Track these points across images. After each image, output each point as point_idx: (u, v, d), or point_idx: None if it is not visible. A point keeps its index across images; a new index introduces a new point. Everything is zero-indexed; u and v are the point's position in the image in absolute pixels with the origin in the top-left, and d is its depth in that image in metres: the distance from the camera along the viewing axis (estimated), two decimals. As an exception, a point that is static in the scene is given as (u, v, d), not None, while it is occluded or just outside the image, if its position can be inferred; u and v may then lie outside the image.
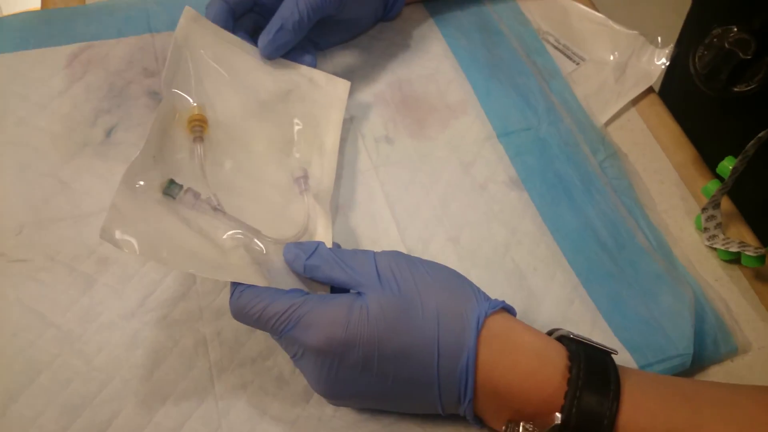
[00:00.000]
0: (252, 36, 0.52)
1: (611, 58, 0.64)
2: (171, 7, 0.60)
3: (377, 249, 0.42)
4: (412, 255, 0.41)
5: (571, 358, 0.37)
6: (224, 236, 0.41)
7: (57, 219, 0.48)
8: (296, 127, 0.50)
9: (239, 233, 0.42)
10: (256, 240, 0.42)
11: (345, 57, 0.60)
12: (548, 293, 0.48)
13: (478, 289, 0.40)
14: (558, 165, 0.55)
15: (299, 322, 0.36)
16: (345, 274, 0.39)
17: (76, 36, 0.57)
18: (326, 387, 0.38)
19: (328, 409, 0.42)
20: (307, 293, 0.39)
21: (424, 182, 0.53)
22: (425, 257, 0.48)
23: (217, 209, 0.42)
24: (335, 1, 0.51)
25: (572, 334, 0.39)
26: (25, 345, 0.42)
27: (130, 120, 0.53)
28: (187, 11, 0.48)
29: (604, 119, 0.59)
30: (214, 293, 0.46)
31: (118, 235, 0.36)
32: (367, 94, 0.57)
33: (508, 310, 0.40)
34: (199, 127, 0.45)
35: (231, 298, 0.38)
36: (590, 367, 0.36)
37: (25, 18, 0.57)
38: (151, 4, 0.60)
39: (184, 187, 0.42)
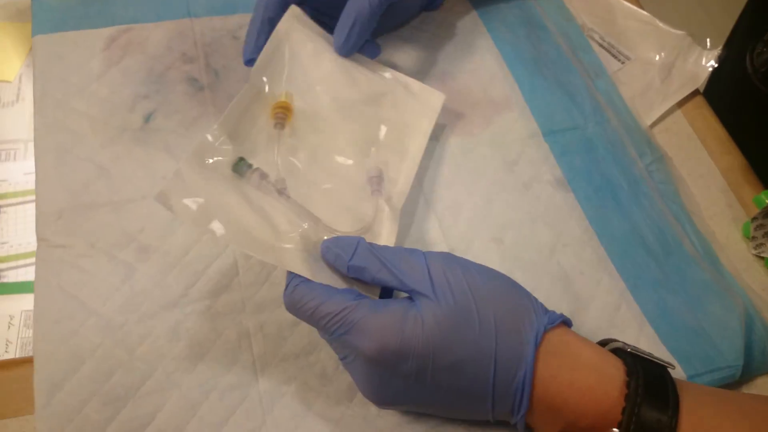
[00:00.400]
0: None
1: (657, 58, 0.63)
2: (210, -10, 0.59)
3: (420, 247, 0.40)
4: (457, 255, 0.40)
5: (628, 372, 0.36)
6: (283, 220, 0.41)
7: (96, 205, 0.47)
8: (382, 131, 0.49)
9: (298, 220, 0.41)
10: (314, 230, 0.41)
11: (387, 48, 0.58)
12: (594, 298, 0.47)
13: (536, 300, 0.38)
14: (604, 167, 0.53)
15: (352, 327, 0.35)
16: (395, 278, 0.37)
17: (115, 18, 0.56)
18: (375, 393, 0.37)
19: (373, 408, 0.41)
20: (360, 295, 0.38)
21: (466, 180, 0.52)
22: (468, 257, 0.47)
23: (281, 193, 0.42)
24: None
25: (627, 346, 0.38)
26: (67, 333, 0.41)
27: (168, 106, 0.52)
28: (293, 9, 0.50)
29: (649, 121, 0.58)
30: (256, 285, 0.45)
31: (174, 200, 0.37)
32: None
33: (566, 322, 0.39)
34: (282, 114, 0.45)
35: (285, 290, 0.38)
36: (648, 382, 0.35)
37: (65, -1, 0.56)
38: (190, -13, 0.59)
39: (254, 167, 0.42)
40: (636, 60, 0.63)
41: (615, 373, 0.36)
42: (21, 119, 0.81)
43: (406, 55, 0.58)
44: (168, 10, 0.57)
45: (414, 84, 0.52)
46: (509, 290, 0.38)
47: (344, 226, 0.42)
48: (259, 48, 0.47)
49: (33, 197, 0.72)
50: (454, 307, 0.36)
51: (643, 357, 0.37)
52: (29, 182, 0.81)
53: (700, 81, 0.62)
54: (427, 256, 0.38)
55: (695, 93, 0.61)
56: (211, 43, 0.56)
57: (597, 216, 0.51)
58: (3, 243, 0.86)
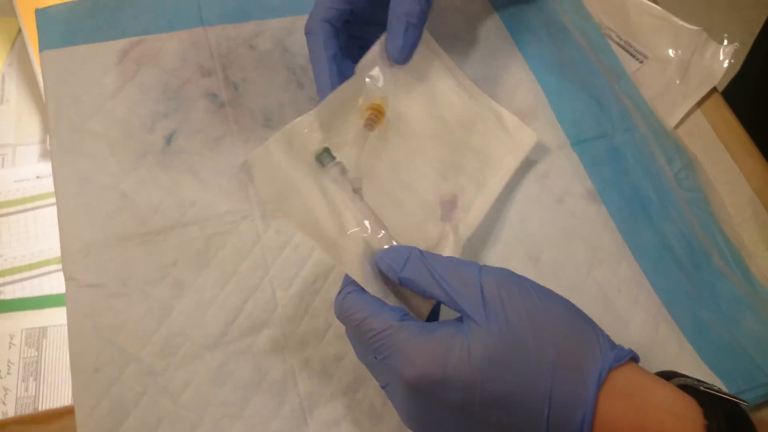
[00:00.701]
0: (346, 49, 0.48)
1: (673, 55, 0.62)
2: (222, -5, 0.56)
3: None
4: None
5: (706, 414, 0.33)
6: (351, 220, 0.40)
7: (124, 238, 0.45)
8: (466, 158, 0.48)
9: (365, 223, 0.40)
10: (377, 237, 0.40)
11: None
12: (634, 316, 0.47)
13: (602, 332, 0.35)
14: (634, 177, 0.53)
15: (393, 349, 0.34)
16: (444, 294, 0.35)
17: (125, 30, 0.53)
18: (418, 424, 0.36)
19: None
20: (407, 315, 0.36)
21: (499, 196, 0.50)
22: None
23: (356, 192, 0.41)
24: None
25: (699, 383, 0.36)
26: (108, 382, 0.40)
27: (189, 125, 0.50)
28: (426, 35, 0.49)
29: (672, 122, 0.58)
30: (297, 319, 0.44)
31: (257, 172, 0.39)
32: (434, 95, 0.55)
33: (634, 359, 0.36)
34: (374, 115, 0.44)
35: (338, 294, 0.37)
36: (730, 426, 0.32)
37: (70, 9, 0.53)
38: (200, -7, 0.56)
39: (336, 159, 0.42)
40: (653, 58, 0.62)
41: (692, 415, 0.33)
42: (6, 122, 0.77)
43: (428, 61, 0.56)
44: (180, 19, 0.54)
45: (509, 118, 0.51)
46: (572, 318, 0.35)
47: (407, 242, 0.41)
48: (334, 88, 0.44)
49: (26, 206, 0.69)
50: (506, 333, 0.33)
51: (719, 396, 0.34)
52: (20, 190, 0.77)
53: (718, 78, 0.61)
54: (482, 270, 0.35)
55: (712, 91, 0.60)
56: (228, 53, 0.53)
57: (629, 229, 0.51)
58: (-2, 257, 0.83)
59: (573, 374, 0.33)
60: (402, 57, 0.45)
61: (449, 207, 0.45)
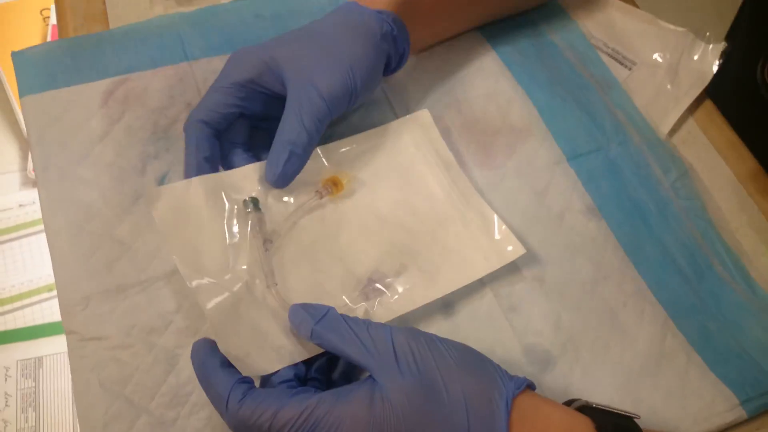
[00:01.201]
0: (250, 141, 0.48)
1: (661, 59, 0.62)
2: (205, 29, 0.55)
3: (459, 299, 0.41)
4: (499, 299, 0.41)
5: (598, 428, 0.36)
6: (244, 267, 0.41)
7: (124, 287, 0.44)
8: (429, 250, 0.46)
9: (258, 273, 0.42)
10: (262, 287, 0.42)
11: (398, 77, 0.56)
12: (641, 330, 0.47)
13: (499, 367, 0.38)
14: (631, 190, 0.53)
15: (318, 425, 0.34)
16: (358, 350, 0.36)
17: (108, 69, 0.52)
18: None
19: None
20: (316, 390, 0.36)
21: (498, 216, 0.50)
22: (512, 300, 0.47)
23: (266, 248, 0.42)
24: (345, 101, 0.44)
25: (591, 403, 0.39)
26: (118, 438, 0.39)
27: (181, 166, 0.48)
28: (425, 115, 0.52)
29: (666, 129, 0.58)
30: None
31: (165, 201, 0.41)
32: (426, 118, 0.54)
33: (530, 386, 0.38)
34: (328, 187, 0.45)
35: (227, 409, 0.34)
36: (616, 422, 0.37)
37: (48, 50, 0.52)
38: (183, 27, 0.54)
39: (260, 212, 0.43)
40: (642, 64, 0.62)
41: (586, 430, 0.36)
42: None
43: (416, 82, 0.56)
44: (164, 55, 0.53)
45: (499, 225, 0.48)
46: (474, 359, 0.38)
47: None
48: None
49: (10, 235, 0.68)
50: (420, 380, 0.35)
51: (610, 411, 0.38)
52: (4, 220, 0.76)
53: (708, 79, 0.61)
54: (391, 329, 0.37)
55: (702, 97, 0.61)
56: (216, 89, 0.52)
57: (631, 244, 0.51)
58: (-14, 288, 0.81)
59: (484, 407, 0.35)
60: (279, 185, 0.44)
61: (373, 286, 0.44)
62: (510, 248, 0.47)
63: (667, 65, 0.62)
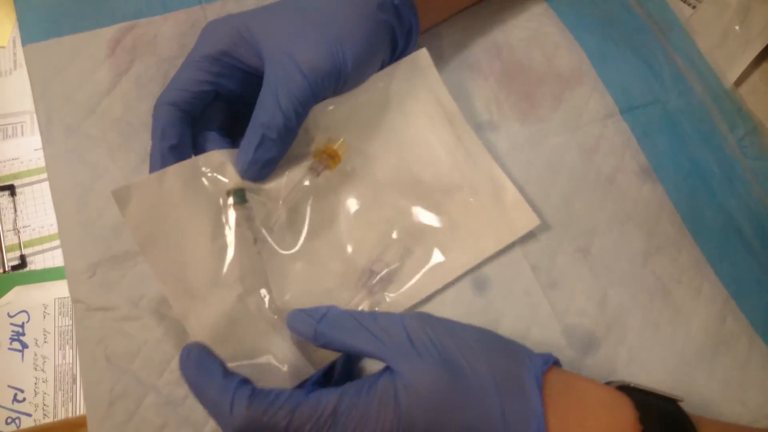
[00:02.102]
0: (230, 126, 0.42)
1: (733, -5, 0.54)
2: (220, -34, 0.50)
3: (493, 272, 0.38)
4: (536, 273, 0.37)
5: (638, 406, 0.33)
6: (235, 273, 0.36)
7: (132, 255, 0.41)
8: (433, 227, 0.42)
9: (247, 278, 0.37)
10: (256, 297, 0.37)
11: (432, 19, 0.50)
12: (696, 310, 0.42)
13: (521, 344, 0.35)
14: (692, 148, 0.47)
15: (341, 424, 0.30)
16: (370, 342, 0.32)
17: (115, 14, 0.47)
18: None
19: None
20: (335, 388, 0.32)
21: (540, 177, 0.45)
22: (552, 273, 0.42)
23: (258, 250, 0.38)
24: (332, 80, 0.38)
25: (631, 383, 0.35)
26: (125, 416, 0.37)
27: (194, 120, 0.45)
28: (422, 56, 0.44)
29: (733, 77, 0.51)
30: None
31: (136, 202, 0.35)
32: (462, 66, 0.49)
33: (556, 362, 0.35)
34: (323, 161, 0.39)
35: (232, 410, 0.30)
36: (664, 418, 0.33)
37: (52, -6, 0.48)
38: (196, -35, 0.50)
39: (247, 205, 0.37)
40: (708, 1, 0.54)
41: (626, 409, 0.33)
42: (22, 88, 0.74)
43: (450, 25, 0.50)
44: (175, -2, 0.48)
45: (510, 192, 0.42)
46: (494, 338, 0.34)
47: (310, 306, 0.36)
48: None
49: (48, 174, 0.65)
50: (441, 363, 0.31)
51: (651, 392, 0.35)
52: (41, 158, 0.75)
53: (786, 19, 0.54)
54: (402, 316, 0.33)
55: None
56: (231, 34, 0.48)
57: (689, 210, 0.45)
58: (25, 227, 0.81)
59: (515, 386, 0.32)
60: (250, 174, 0.37)
61: (376, 278, 0.39)
62: (523, 218, 0.42)
63: (737, 3, 0.54)
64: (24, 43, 0.46)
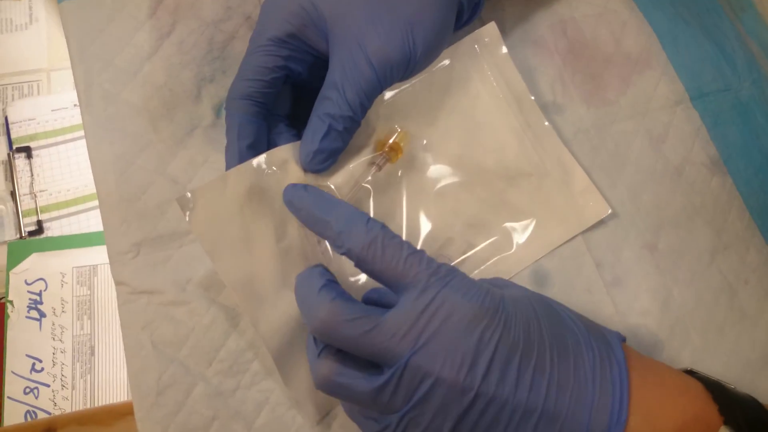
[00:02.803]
0: (295, 111, 0.39)
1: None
2: None
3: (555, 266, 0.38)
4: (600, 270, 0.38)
5: (716, 398, 0.31)
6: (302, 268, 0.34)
7: (178, 234, 0.39)
8: (498, 217, 0.40)
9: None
10: None
11: (493, -11, 0.47)
12: (762, 314, 0.41)
13: None
14: (764, 140, 0.45)
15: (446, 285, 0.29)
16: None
17: (157, -30, 0.44)
18: (469, 365, 0.29)
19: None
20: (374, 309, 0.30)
21: (607, 166, 0.43)
22: (617, 270, 0.41)
23: (322, 251, 0.36)
24: (401, 70, 0.35)
25: (695, 370, 0.35)
26: (173, 407, 0.36)
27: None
28: (491, 32, 0.41)
29: (810, 68, 0.48)
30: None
31: (200, 208, 0.33)
32: (525, 41, 0.46)
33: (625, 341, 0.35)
34: (386, 154, 0.37)
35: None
36: (744, 410, 0.31)
37: (89, -54, 0.44)
38: None
39: None
40: (785, -20, 0.51)
41: (704, 397, 0.32)
42: (38, 44, 0.70)
43: (513, -3, 0.47)
44: (220, -46, 0.45)
45: (580, 179, 0.40)
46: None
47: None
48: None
49: (65, 137, 0.64)
50: (539, 297, 0.33)
51: (718, 381, 0.33)
52: (58, 120, 0.72)
53: None
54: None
55: None
56: (281, -1, 0.44)
57: (759, 206, 0.43)
58: (41, 191, 0.77)
59: (599, 335, 0.32)
60: (313, 165, 0.35)
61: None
62: (594, 207, 0.40)
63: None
64: (60, -1, 0.43)
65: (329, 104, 0.34)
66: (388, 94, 0.40)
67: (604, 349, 0.31)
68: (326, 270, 0.32)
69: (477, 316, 0.29)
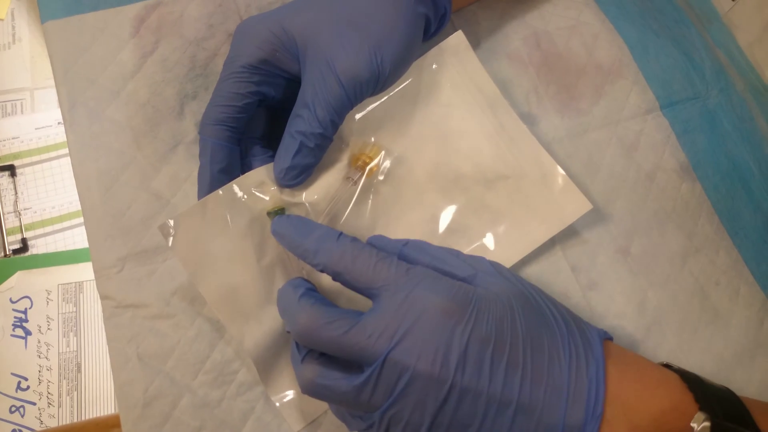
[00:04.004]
0: (270, 131, 0.40)
1: (772, -12, 0.53)
2: (248, -59, 0.47)
3: (533, 272, 0.39)
4: (577, 274, 0.39)
5: (692, 388, 0.33)
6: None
7: (162, 249, 0.39)
8: (478, 220, 0.41)
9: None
10: None
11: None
12: (734, 312, 0.42)
13: None
14: (731, 146, 0.46)
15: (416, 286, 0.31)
16: (458, 266, 0.34)
17: (139, -10, 0.45)
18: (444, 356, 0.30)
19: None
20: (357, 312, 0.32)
21: (580, 174, 0.44)
22: (592, 274, 0.42)
23: (302, 267, 0.37)
24: (369, 87, 0.36)
25: (674, 365, 0.36)
26: (160, 418, 0.36)
27: (223, 106, 0.43)
28: (458, 40, 0.42)
29: (774, 76, 0.50)
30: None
31: (181, 234, 0.35)
32: (499, 54, 0.47)
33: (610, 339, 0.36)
34: (359, 169, 0.38)
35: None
36: (719, 399, 0.33)
37: (72, -32, 0.45)
38: (223, -61, 0.47)
39: None
40: (749, -7, 0.53)
41: (681, 387, 0.33)
42: (22, 63, 0.71)
43: (489, 12, 0.48)
44: (201, -26, 0.46)
45: (558, 176, 0.41)
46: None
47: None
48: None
49: (49, 155, 0.64)
50: (522, 289, 0.34)
51: (699, 376, 0.35)
52: (42, 138, 0.73)
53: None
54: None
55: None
56: (261, 16, 0.45)
57: (726, 210, 0.45)
58: (26, 209, 0.77)
59: (580, 332, 0.33)
60: (286, 181, 0.36)
61: None
62: (574, 203, 0.41)
63: (780, -6, 0.53)
64: (44, 19, 0.44)
65: (300, 122, 0.35)
66: (361, 109, 0.41)
67: (582, 345, 0.32)
68: (305, 281, 0.33)
69: (448, 311, 0.30)
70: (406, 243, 0.35)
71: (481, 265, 0.35)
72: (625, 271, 0.42)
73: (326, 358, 0.31)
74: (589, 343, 0.33)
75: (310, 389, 0.31)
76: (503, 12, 0.48)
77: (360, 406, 0.30)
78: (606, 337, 0.34)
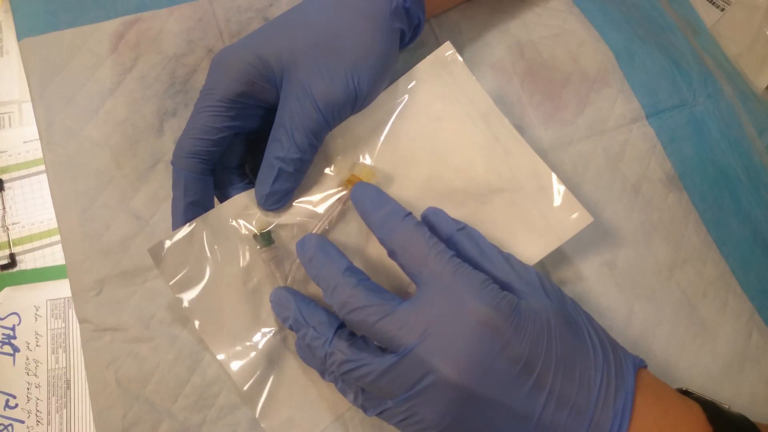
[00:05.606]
0: (248, 157, 0.40)
1: (762, -2, 0.53)
2: (227, -46, 0.47)
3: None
4: (563, 287, 0.37)
5: (705, 407, 0.33)
6: (271, 315, 0.37)
7: (142, 270, 0.39)
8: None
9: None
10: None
11: (450, 15, 0.48)
12: (722, 325, 0.42)
13: None
14: (719, 154, 0.46)
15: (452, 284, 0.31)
16: (505, 270, 0.33)
17: (117, 7, 0.44)
18: (474, 371, 0.30)
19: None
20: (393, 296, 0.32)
21: (565, 186, 0.44)
22: (578, 289, 0.41)
23: (289, 280, 0.37)
24: (347, 110, 0.37)
25: (690, 390, 0.36)
26: (139, 444, 0.36)
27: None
28: (447, 51, 0.41)
29: (763, 83, 0.49)
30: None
31: (171, 257, 0.35)
32: (483, 65, 0.46)
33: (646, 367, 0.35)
34: (349, 189, 0.38)
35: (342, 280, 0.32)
36: (730, 418, 0.33)
37: (48, -15, 0.44)
38: (201, -47, 0.46)
39: (274, 246, 0.37)
40: (737, 4, 0.52)
41: (698, 412, 0.33)
42: (9, 76, 0.70)
43: (471, 21, 0.48)
44: (179, -11, 0.45)
45: (558, 189, 0.39)
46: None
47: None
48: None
49: (38, 168, 0.64)
50: (563, 309, 0.33)
51: (712, 401, 0.35)
52: (30, 151, 0.72)
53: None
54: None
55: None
56: (240, 32, 0.45)
57: (714, 220, 0.44)
58: (14, 224, 0.77)
59: (616, 361, 0.33)
60: (268, 205, 0.37)
61: None
62: (573, 216, 0.39)
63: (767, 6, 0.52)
64: (20, 37, 0.43)
65: (279, 147, 0.36)
66: (348, 128, 0.40)
67: (615, 374, 0.32)
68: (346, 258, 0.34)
69: (486, 322, 0.30)
70: (462, 228, 0.35)
71: (528, 275, 0.34)
72: (611, 285, 0.42)
73: (355, 339, 0.32)
74: (623, 373, 0.32)
75: (336, 366, 0.32)
76: (486, 22, 0.48)
77: (380, 389, 0.31)
78: (641, 365, 0.34)
